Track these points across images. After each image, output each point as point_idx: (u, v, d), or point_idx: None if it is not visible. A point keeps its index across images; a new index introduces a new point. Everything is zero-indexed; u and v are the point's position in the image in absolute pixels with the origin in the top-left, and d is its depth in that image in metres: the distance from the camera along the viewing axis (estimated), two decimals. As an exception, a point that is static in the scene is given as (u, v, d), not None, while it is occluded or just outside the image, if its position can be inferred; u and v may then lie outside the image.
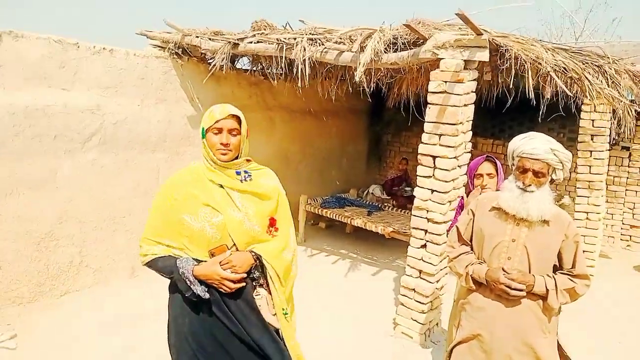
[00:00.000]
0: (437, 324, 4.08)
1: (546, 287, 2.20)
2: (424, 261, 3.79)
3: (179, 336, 2.07)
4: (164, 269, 2.02)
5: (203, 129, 2.03)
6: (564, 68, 3.75)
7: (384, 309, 4.47)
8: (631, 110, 3.99)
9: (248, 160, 2.15)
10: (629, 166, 6.80)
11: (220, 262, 1.94)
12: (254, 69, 6.01)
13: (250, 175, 2.10)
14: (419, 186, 3.77)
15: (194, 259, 1.99)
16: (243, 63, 6.00)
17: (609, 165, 6.86)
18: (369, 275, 5.45)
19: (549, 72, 3.63)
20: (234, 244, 2.01)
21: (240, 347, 2.01)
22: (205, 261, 1.98)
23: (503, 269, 2.23)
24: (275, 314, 2.10)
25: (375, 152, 9.12)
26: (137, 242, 4.92)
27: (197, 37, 4.92)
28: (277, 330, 2.11)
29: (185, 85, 5.44)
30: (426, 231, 3.76)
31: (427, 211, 3.73)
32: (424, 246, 3.79)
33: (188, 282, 1.93)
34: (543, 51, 3.69)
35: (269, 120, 6.66)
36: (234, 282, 1.95)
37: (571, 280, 2.24)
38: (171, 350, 2.15)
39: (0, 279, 3.92)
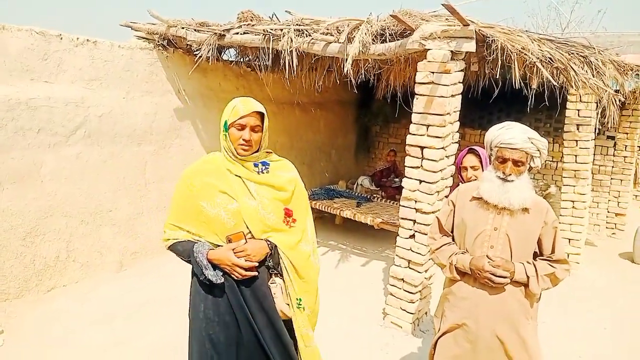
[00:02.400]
0: (426, 313, 4.11)
1: (526, 273, 2.23)
2: (413, 251, 3.81)
3: (195, 321, 2.13)
4: (182, 252, 2.09)
5: (226, 122, 2.06)
6: (550, 58, 3.77)
7: (373, 299, 4.50)
8: (615, 100, 4.02)
9: (268, 152, 2.20)
10: (614, 155, 6.88)
11: (235, 250, 1.99)
12: (241, 60, 5.96)
13: (267, 167, 2.14)
14: (407, 177, 3.78)
15: (211, 243, 2.05)
16: (230, 55, 5.95)
17: (594, 154, 6.94)
18: (359, 265, 5.47)
19: (535, 62, 3.65)
20: (250, 232, 2.05)
21: (247, 337, 2.06)
22: (222, 246, 2.03)
23: (487, 257, 2.25)
24: (289, 303, 2.14)
25: (364, 144, 9.12)
26: (123, 237, 4.92)
27: (183, 28, 4.87)
28: (290, 320, 2.14)
29: (172, 77, 5.39)
30: (414, 221, 3.77)
31: (416, 201, 3.74)
32: (413, 236, 3.81)
33: (201, 266, 2.00)
34: (529, 42, 3.70)
35: (256, 112, 6.61)
36: (245, 269, 1.99)
37: (551, 265, 2.27)
38: (189, 338, 2.20)
39: (-15, 275, 3.87)
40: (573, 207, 5.24)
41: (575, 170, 5.19)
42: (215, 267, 2.01)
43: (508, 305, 2.27)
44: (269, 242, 2.07)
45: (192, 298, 2.17)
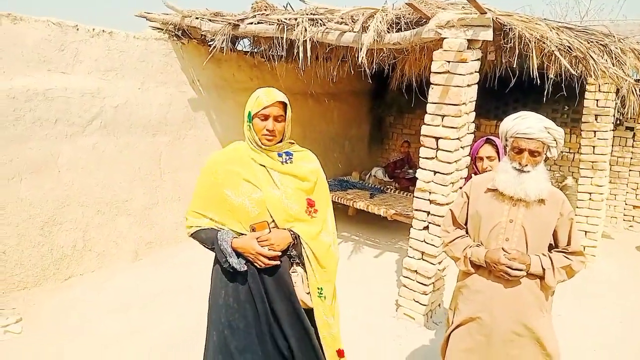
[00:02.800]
0: (439, 305, 4.10)
1: (542, 266, 2.20)
2: (426, 243, 3.79)
3: (215, 308, 2.16)
4: (206, 240, 2.11)
5: (250, 113, 2.08)
6: (569, 47, 3.69)
7: (386, 290, 4.49)
8: (636, 90, 3.94)
9: (291, 143, 2.22)
10: (632, 146, 6.75)
11: (259, 239, 2.02)
12: (255, 50, 5.95)
13: (291, 158, 2.16)
14: (421, 168, 3.75)
15: (234, 232, 2.08)
16: (244, 45, 5.94)
17: (612, 145, 6.82)
18: (372, 257, 5.47)
19: (553, 51, 3.58)
20: (273, 221, 2.07)
21: (267, 325, 2.09)
22: (246, 234, 2.06)
23: (503, 249, 2.22)
24: (309, 292, 2.16)
25: (378, 135, 9.07)
26: (139, 226, 4.97)
27: (197, 18, 4.87)
28: (310, 310, 2.17)
29: (186, 67, 5.40)
30: (428, 213, 3.75)
31: (430, 193, 3.72)
32: (426, 228, 3.78)
33: (225, 254, 2.02)
34: (547, 30, 3.63)
35: (270, 103, 6.60)
36: (268, 258, 2.02)
37: (567, 257, 2.24)
38: (207, 325, 2.23)
39: (4, 263, 3.94)
40: (590, 199, 5.16)
41: (592, 162, 5.11)
42: (238, 255, 2.04)
43: (524, 298, 2.24)
44: (292, 232, 2.09)
45: (213, 285, 2.20)
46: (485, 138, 2.98)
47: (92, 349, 3.38)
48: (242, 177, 2.07)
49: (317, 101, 7.44)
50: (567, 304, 4.34)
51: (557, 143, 2.25)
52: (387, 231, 6.19)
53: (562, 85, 4.48)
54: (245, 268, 2.04)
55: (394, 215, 5.38)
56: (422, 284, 3.84)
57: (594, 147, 5.10)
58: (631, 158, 6.77)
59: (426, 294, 3.85)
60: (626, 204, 6.89)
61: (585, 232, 5.22)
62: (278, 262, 2.07)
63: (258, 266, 2.04)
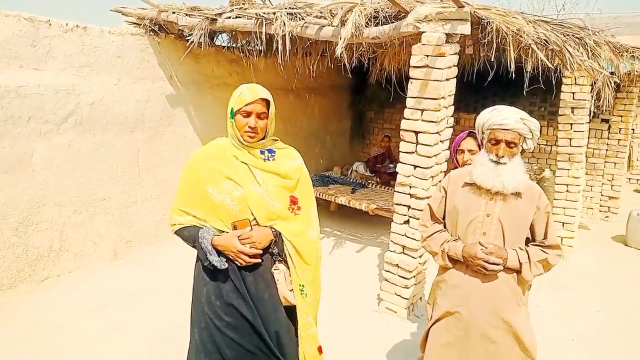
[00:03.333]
0: (420, 299, 4.12)
1: (519, 260, 2.22)
2: (407, 237, 3.80)
3: (197, 306, 2.16)
4: (188, 237, 2.11)
5: (232, 109, 2.08)
6: (545, 40, 3.73)
7: (368, 285, 4.51)
8: (610, 83, 4.00)
9: (274, 140, 2.21)
10: (608, 138, 6.87)
11: (240, 237, 2.02)
12: (234, 45, 5.88)
13: (273, 155, 2.15)
14: (401, 162, 3.76)
15: (216, 229, 2.07)
16: (223, 40, 5.86)
17: (588, 137, 6.93)
18: (354, 252, 5.48)
19: (530, 44, 3.61)
20: (255, 219, 2.07)
21: (248, 323, 2.08)
22: (227, 232, 2.05)
23: (480, 244, 2.23)
24: (292, 289, 2.16)
25: (359, 130, 9.07)
26: (117, 225, 4.88)
27: (174, 13, 4.79)
28: (293, 307, 2.17)
29: (163, 63, 5.31)
30: (409, 207, 3.76)
31: (410, 187, 3.73)
32: (407, 222, 3.80)
33: (206, 252, 2.01)
34: (525, 24, 3.66)
35: (250, 99, 6.55)
36: (249, 256, 2.02)
37: (543, 251, 2.26)
38: (190, 324, 2.23)
39: (-23, 265, 3.84)
40: (567, 190, 5.24)
41: (569, 154, 5.18)
42: (219, 253, 2.03)
43: (501, 293, 2.25)
44: (273, 230, 2.09)
45: (195, 283, 2.20)
46: (467, 131, 2.98)
47: (71, 349, 3.32)
48: (224, 174, 2.06)
49: (298, 96, 7.41)
50: (544, 294, 4.41)
51: (532, 134, 2.27)
52: (369, 226, 6.20)
53: (540, 78, 4.53)
54: (226, 266, 2.03)
55: (375, 210, 5.39)
56: (403, 277, 3.86)
57: (570, 139, 5.17)
58: (606, 150, 6.90)
59: (408, 288, 3.87)
60: (602, 195, 7.02)
61: (563, 223, 5.30)
62: (259, 260, 2.06)
63: (239, 264, 2.03)
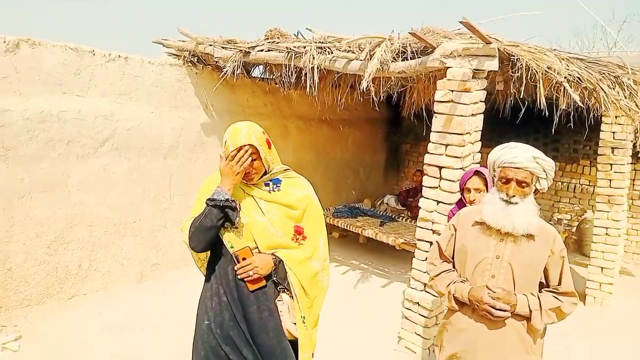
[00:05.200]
0: (443, 340, 3.97)
1: (529, 307, 2.10)
2: (428, 274, 3.69)
3: (198, 335, 2.17)
4: (200, 215, 2.05)
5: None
6: (579, 78, 3.63)
7: (390, 321, 4.37)
8: (649, 123, 3.82)
9: (286, 170, 2.23)
10: (655, 180, 6.53)
11: (241, 263, 2.04)
12: (269, 77, 6.04)
13: (279, 186, 2.16)
14: (424, 197, 3.70)
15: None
16: (260, 71, 6.03)
17: (635, 179, 6.61)
18: (379, 286, 5.36)
19: (561, 82, 3.52)
20: (257, 247, 2.08)
21: (249, 355, 2.07)
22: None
23: (487, 287, 2.13)
24: (295, 322, 2.14)
25: (394, 162, 9.02)
26: (145, 248, 4.99)
27: (210, 45, 4.98)
28: (295, 342, 2.14)
29: (200, 92, 5.50)
30: (431, 243, 3.67)
31: (433, 222, 3.65)
32: (429, 259, 3.69)
33: (218, 192, 2.00)
34: (556, 61, 3.58)
35: (283, 129, 6.66)
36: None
37: (557, 298, 2.13)
38: (192, 352, 2.23)
39: (9, 280, 4.01)
40: (606, 234, 4.97)
41: (609, 196, 4.94)
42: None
43: (508, 340, 2.13)
44: (274, 257, 2.09)
45: (198, 311, 2.21)
46: (474, 169, 2.92)
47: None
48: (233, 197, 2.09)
49: (332, 127, 7.47)
50: (577, 341, 4.15)
51: (546, 174, 2.16)
52: (397, 261, 6.07)
53: (579, 116, 4.38)
54: (228, 196, 1.99)
55: (402, 245, 5.29)
56: (424, 316, 3.73)
57: (610, 180, 4.94)
58: (654, 192, 6.54)
59: (428, 327, 3.73)
60: (649, 240, 6.62)
61: (602, 268, 5.01)
62: (264, 283, 2.07)
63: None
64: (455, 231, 2.33)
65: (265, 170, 2.13)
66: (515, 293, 2.12)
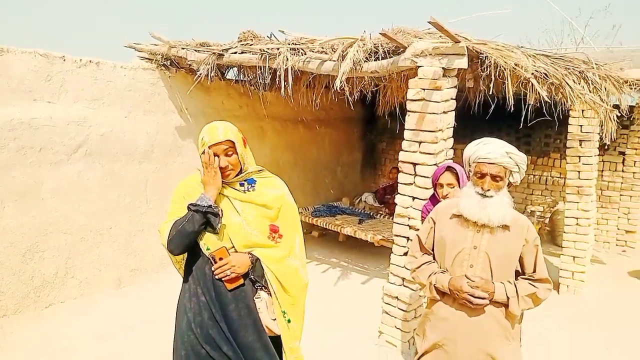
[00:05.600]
0: (422, 333, 4.04)
1: (507, 294, 2.18)
2: (407, 268, 3.75)
3: (178, 335, 2.19)
4: (182, 220, 2.08)
5: (201, 152, 2.14)
6: (545, 74, 3.75)
7: (371, 317, 4.42)
8: (612, 115, 3.96)
9: (260, 170, 2.26)
10: (623, 171, 6.75)
11: (217, 263, 2.06)
12: (244, 79, 6.04)
13: (253, 185, 2.19)
14: (400, 193, 3.77)
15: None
16: (234, 73, 6.03)
17: (603, 170, 6.82)
18: (359, 283, 5.42)
19: (529, 78, 3.63)
20: (233, 246, 2.10)
21: (229, 352, 2.09)
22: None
23: (466, 277, 2.21)
24: (276, 318, 2.17)
25: (370, 161, 9.11)
26: (123, 254, 4.94)
27: (183, 48, 4.97)
28: (277, 337, 2.18)
29: (174, 96, 5.47)
30: (408, 238, 3.74)
31: (409, 218, 3.72)
32: (407, 253, 3.76)
33: (205, 199, 2.05)
34: (523, 58, 3.69)
35: (260, 130, 6.68)
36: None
37: (532, 285, 2.23)
38: (173, 353, 2.24)
39: (-16, 291, 3.93)
40: (577, 224, 5.13)
41: (578, 187, 5.10)
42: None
43: (488, 327, 2.22)
44: (251, 255, 2.12)
45: (177, 311, 2.23)
46: (446, 165, 3.01)
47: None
48: None
49: (308, 128, 7.51)
50: (552, 329, 4.28)
51: (519, 168, 2.27)
52: (376, 257, 6.14)
53: (548, 111, 4.50)
54: (211, 203, 2.04)
55: (380, 241, 5.36)
56: (403, 310, 3.80)
57: (579, 172, 5.10)
58: (621, 182, 6.77)
59: (407, 321, 3.80)
60: (618, 229, 6.85)
61: (573, 257, 5.17)
62: (242, 281, 2.10)
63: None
64: (435, 224, 2.41)
65: (241, 168, 2.16)
66: (493, 281, 2.20)
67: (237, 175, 2.16)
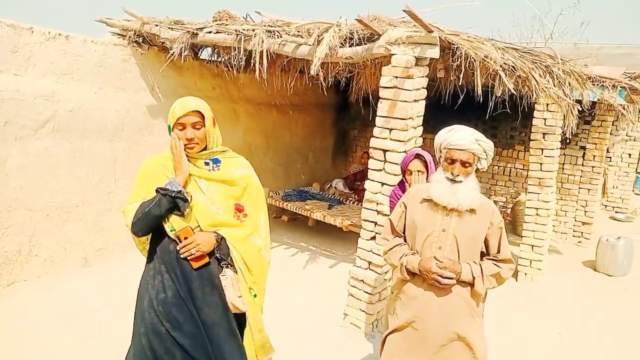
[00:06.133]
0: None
1: (472, 274, 2.31)
2: (373, 253, 3.86)
3: (139, 311, 2.20)
4: (148, 203, 2.09)
5: (169, 126, 2.14)
6: (513, 67, 3.87)
7: (337, 300, 4.52)
8: (574, 110, 4.13)
9: (224, 150, 2.26)
10: (582, 165, 7.02)
11: (183, 242, 2.07)
12: (218, 60, 5.98)
13: (218, 165, 2.20)
14: (369, 179, 3.85)
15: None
16: (208, 54, 5.97)
17: (564, 164, 7.08)
18: (326, 267, 5.52)
19: (497, 70, 3.75)
20: (198, 225, 2.12)
21: (192, 328, 2.11)
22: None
23: (435, 258, 2.31)
24: (241, 295, 2.20)
25: (342, 147, 9.18)
26: (90, 232, 4.87)
27: (157, 25, 4.89)
28: (242, 314, 2.22)
29: (146, 74, 5.38)
30: (375, 223, 3.83)
31: (377, 204, 3.80)
32: (373, 238, 3.86)
33: (172, 186, 2.06)
34: (493, 50, 3.79)
35: (232, 112, 6.64)
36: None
37: (496, 265, 2.36)
38: (133, 328, 2.24)
39: (-57, 266, 3.84)
40: (537, 214, 5.34)
41: (540, 178, 5.30)
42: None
43: (455, 305, 2.34)
44: (216, 234, 2.14)
45: (140, 288, 2.24)
46: (415, 153, 3.10)
47: (36, 357, 3.30)
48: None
49: (281, 112, 7.51)
50: (509, 313, 4.48)
51: (487, 155, 2.39)
52: (344, 242, 6.25)
53: (515, 104, 4.66)
54: (181, 188, 2.06)
55: (349, 226, 5.45)
56: (368, 293, 3.91)
57: (541, 164, 5.29)
58: (581, 176, 7.04)
59: (372, 304, 3.91)
60: (575, 221, 7.14)
61: (532, 246, 5.39)
62: (207, 260, 2.12)
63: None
64: (406, 208, 2.50)
65: (206, 145, 2.17)
66: (460, 262, 2.32)
67: (201, 151, 2.16)
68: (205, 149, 2.18)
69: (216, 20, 4.73)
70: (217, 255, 2.16)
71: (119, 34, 5.22)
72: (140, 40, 5.25)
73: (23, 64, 4.28)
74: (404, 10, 3.21)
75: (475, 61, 3.66)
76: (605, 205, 9.38)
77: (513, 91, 3.69)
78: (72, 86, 4.66)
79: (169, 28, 4.84)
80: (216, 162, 2.21)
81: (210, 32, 4.59)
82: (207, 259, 2.13)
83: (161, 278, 2.14)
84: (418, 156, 3.07)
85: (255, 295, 2.26)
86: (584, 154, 7.02)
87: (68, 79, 4.63)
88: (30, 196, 4.38)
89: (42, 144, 4.46)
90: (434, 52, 3.58)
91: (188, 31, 4.68)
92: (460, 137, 2.35)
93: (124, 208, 2.21)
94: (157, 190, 2.07)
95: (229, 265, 2.20)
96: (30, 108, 4.32)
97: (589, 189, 7.03)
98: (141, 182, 2.20)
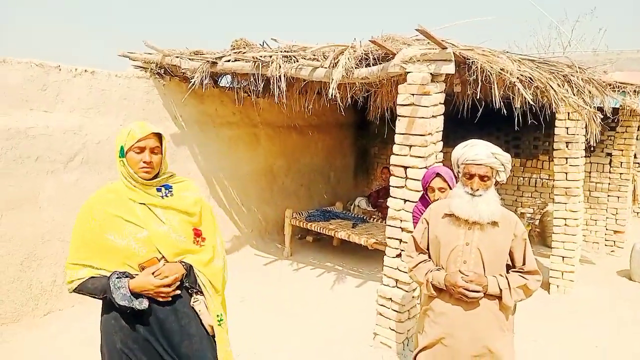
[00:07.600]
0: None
1: (499, 286, 2.29)
2: (400, 270, 3.85)
3: (112, 355, 2.07)
4: (94, 290, 1.98)
5: (122, 147, 2.03)
6: (530, 78, 3.86)
7: (366, 319, 4.50)
8: (596, 118, 4.08)
9: (170, 176, 2.19)
10: (610, 172, 6.89)
11: (152, 273, 1.98)
12: (237, 86, 6.13)
13: (171, 190, 2.14)
14: (392, 196, 3.86)
15: (125, 273, 1.99)
16: (227, 81, 6.12)
17: (591, 172, 6.96)
18: (354, 287, 5.50)
19: (514, 82, 3.75)
20: (163, 257, 2.04)
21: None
22: (137, 275, 2.00)
23: (461, 272, 2.31)
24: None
25: (363, 165, 9.21)
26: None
27: (177, 57, 5.05)
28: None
29: (168, 104, 5.55)
30: (400, 240, 3.83)
31: (401, 221, 3.80)
32: (399, 255, 3.85)
33: (126, 299, 1.92)
34: (509, 63, 3.80)
35: (253, 137, 6.76)
36: (169, 287, 2.01)
37: (523, 277, 2.34)
38: None
39: (-18, 299, 3.97)
40: (565, 224, 5.24)
41: (566, 188, 5.22)
42: (137, 295, 1.96)
43: (483, 319, 2.32)
44: (183, 263, 2.08)
45: (105, 332, 2.09)
46: (435, 171, 3.11)
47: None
48: (124, 219, 2.01)
49: (301, 133, 7.60)
50: (543, 328, 4.37)
51: (504, 167, 2.39)
52: (370, 261, 6.22)
53: (537, 114, 4.63)
54: (147, 305, 1.98)
55: (374, 245, 5.44)
56: (396, 311, 3.88)
57: (566, 173, 5.22)
58: (609, 184, 6.90)
59: (401, 322, 3.88)
60: (607, 229, 6.97)
61: (563, 257, 5.28)
62: (178, 291, 2.05)
63: (161, 299, 2.01)
64: (428, 224, 2.51)
65: (158, 172, 2.10)
66: (485, 275, 2.31)
67: (153, 179, 2.09)
68: (157, 175, 2.11)
69: (234, 49, 4.86)
70: (186, 284, 2.10)
71: (141, 67, 5.41)
72: (162, 72, 5.43)
73: (52, 100, 4.47)
74: (416, 29, 3.27)
75: (491, 74, 3.67)
76: (637, 212, 9.13)
77: (532, 102, 3.67)
78: (99, 119, 4.83)
79: (189, 59, 5.00)
80: (168, 188, 2.14)
81: (228, 61, 4.72)
82: (177, 291, 2.05)
83: (127, 317, 2.01)
84: (438, 175, 3.08)
85: (220, 321, 2.18)
86: (611, 161, 6.89)
87: (94, 112, 4.81)
88: (62, 227, 4.51)
89: (72, 176, 4.62)
90: (449, 68, 3.61)
91: (207, 61, 4.82)
92: (476, 152, 2.36)
93: (66, 266, 2.05)
94: (104, 293, 1.94)
95: (198, 292, 2.14)
96: (59, 142, 4.49)
97: (618, 197, 6.87)
98: (83, 225, 2.05)
